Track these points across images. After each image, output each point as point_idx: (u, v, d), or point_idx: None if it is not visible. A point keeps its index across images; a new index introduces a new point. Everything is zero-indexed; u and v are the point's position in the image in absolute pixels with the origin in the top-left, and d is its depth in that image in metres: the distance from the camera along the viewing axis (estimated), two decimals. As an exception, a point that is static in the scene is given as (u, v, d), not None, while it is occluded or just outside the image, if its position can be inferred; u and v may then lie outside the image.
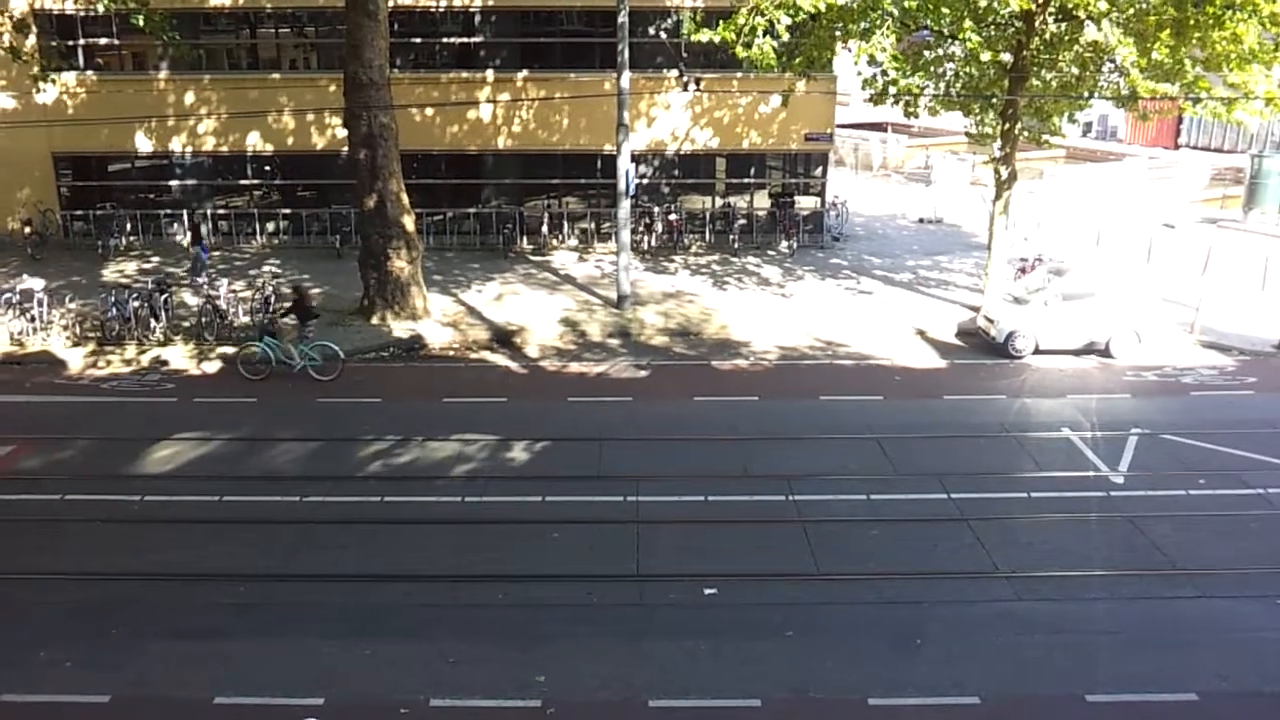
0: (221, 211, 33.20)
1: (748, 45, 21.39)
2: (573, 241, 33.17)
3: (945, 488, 16.29)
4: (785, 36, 21.31)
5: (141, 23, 23.59)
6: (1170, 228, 35.09)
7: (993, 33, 23.77)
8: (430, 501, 16.03)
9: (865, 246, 33.71)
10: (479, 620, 12.84)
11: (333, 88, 26.90)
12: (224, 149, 32.37)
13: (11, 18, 26.37)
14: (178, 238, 32.48)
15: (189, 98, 31.85)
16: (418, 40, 32.62)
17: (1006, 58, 24.10)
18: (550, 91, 31.76)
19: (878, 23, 21.79)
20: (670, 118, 32.51)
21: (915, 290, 28.38)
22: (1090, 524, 15.40)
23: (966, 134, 30.28)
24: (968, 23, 21.39)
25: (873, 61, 22.51)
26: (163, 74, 31.82)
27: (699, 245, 33.12)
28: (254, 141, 32.20)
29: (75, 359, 22.51)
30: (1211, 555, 14.30)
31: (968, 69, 25.13)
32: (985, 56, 22.26)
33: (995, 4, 22.28)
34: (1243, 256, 29.63)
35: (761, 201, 34.26)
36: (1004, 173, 25.03)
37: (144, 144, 32.16)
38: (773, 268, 30.63)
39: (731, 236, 32.88)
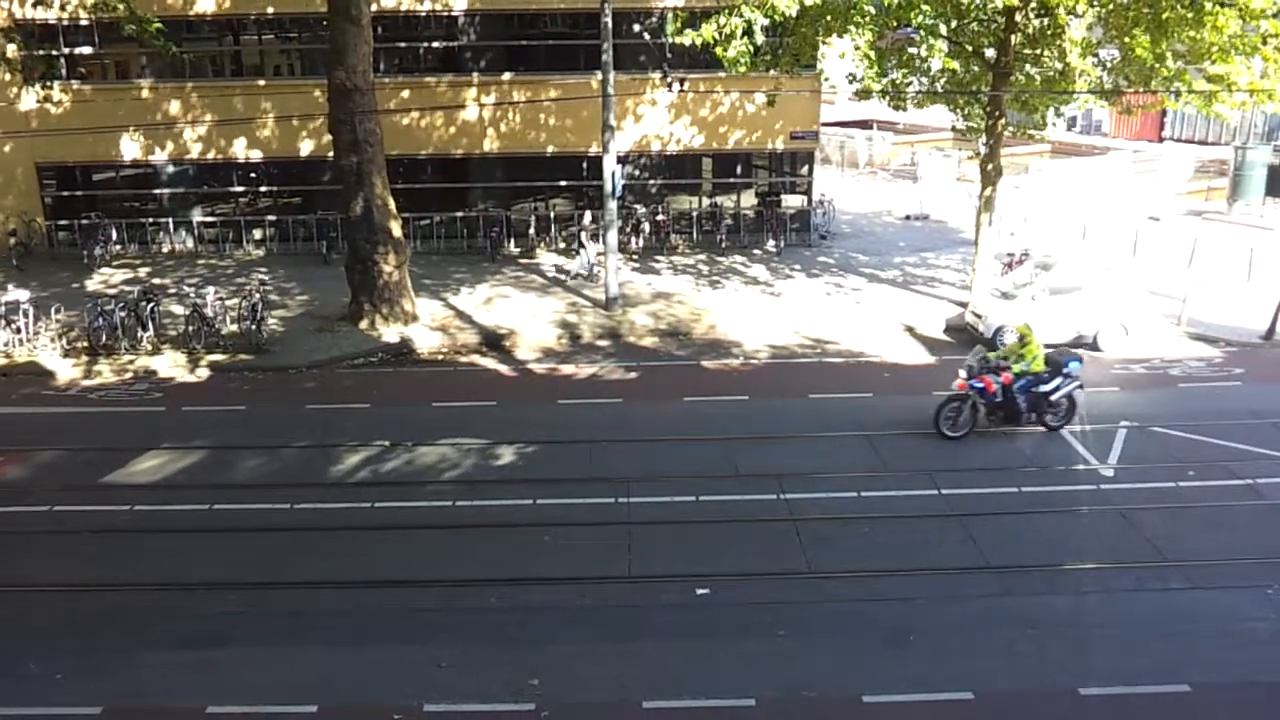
0: (208, 219, 33.08)
1: (725, 47, 21.44)
2: (560, 244, 33.15)
3: (936, 484, 16.33)
4: (761, 39, 21.35)
5: (136, 30, 23.43)
6: (1155, 220, 35.25)
7: (976, 28, 23.82)
8: (421, 506, 15.98)
9: (852, 244, 33.76)
10: (471, 624, 12.81)
11: (317, 93, 26.83)
12: (209, 156, 32.24)
13: None
14: (167, 246, 32.41)
15: (173, 106, 31.72)
16: (402, 44, 32.52)
17: (990, 53, 24.18)
18: (535, 94, 31.72)
19: (856, 21, 21.84)
20: (655, 118, 32.49)
21: (903, 287, 28.42)
22: (1081, 517, 15.48)
23: (952, 129, 30.37)
24: (940, 33, 21.49)
25: (843, 57, 22.61)
26: (146, 82, 31.70)
27: (686, 245, 33.12)
28: (239, 148, 32.10)
29: (63, 369, 22.39)
30: (1202, 546, 14.37)
31: (951, 66, 25.23)
32: (948, 64, 22.48)
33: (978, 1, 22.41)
34: (1228, 248, 29.79)
35: (748, 201, 34.27)
36: (989, 168, 25.10)
37: (128, 153, 32.01)
38: (760, 267, 30.65)
39: (718, 236, 32.90)
